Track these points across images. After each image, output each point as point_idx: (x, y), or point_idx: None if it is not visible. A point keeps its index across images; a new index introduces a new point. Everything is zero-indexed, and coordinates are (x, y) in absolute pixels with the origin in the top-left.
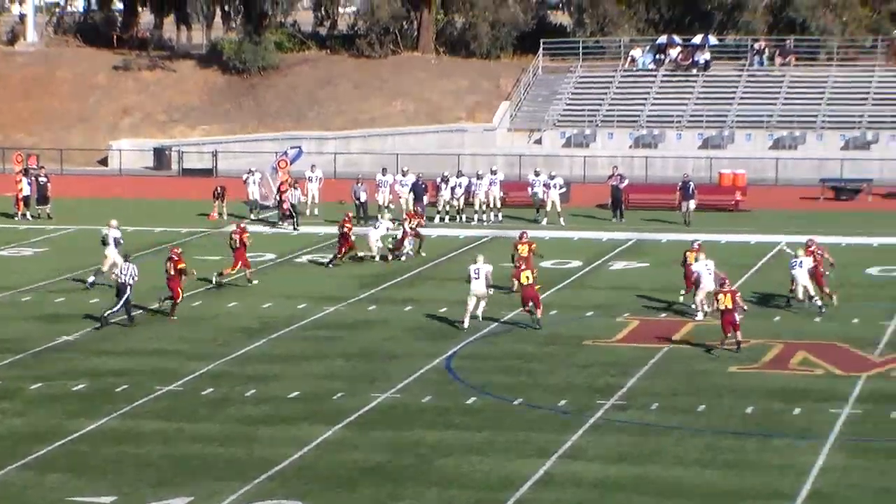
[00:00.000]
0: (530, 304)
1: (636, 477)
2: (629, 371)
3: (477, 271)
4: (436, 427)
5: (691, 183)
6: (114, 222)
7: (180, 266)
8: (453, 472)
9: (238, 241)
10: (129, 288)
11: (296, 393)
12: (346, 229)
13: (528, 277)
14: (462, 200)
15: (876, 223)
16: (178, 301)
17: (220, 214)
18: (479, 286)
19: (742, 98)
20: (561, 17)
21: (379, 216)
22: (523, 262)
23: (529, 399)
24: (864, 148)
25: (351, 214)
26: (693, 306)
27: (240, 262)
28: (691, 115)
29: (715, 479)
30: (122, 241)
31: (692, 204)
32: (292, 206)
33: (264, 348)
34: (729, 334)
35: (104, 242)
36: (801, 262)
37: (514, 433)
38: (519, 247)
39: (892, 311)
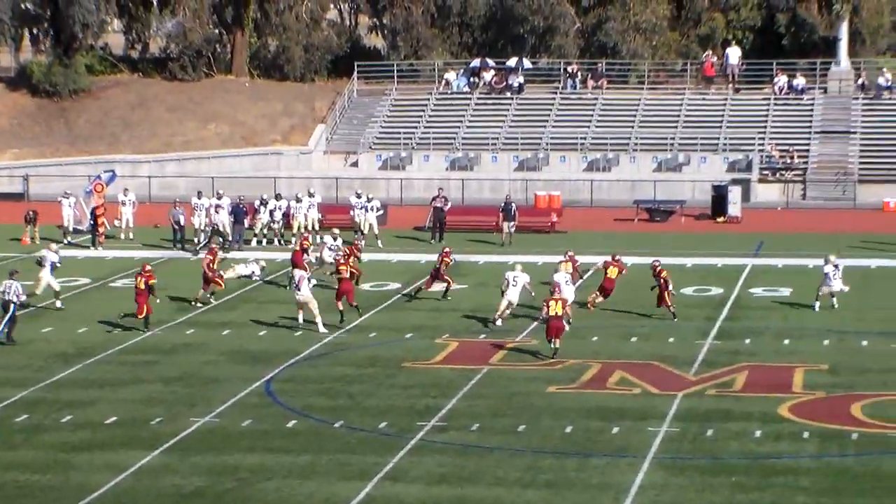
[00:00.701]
0: (552, 337)
1: (457, 498)
2: (449, 392)
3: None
4: (256, 451)
5: (513, 204)
6: (53, 246)
7: (151, 282)
8: (274, 495)
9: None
10: (13, 306)
11: (113, 418)
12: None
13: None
14: (282, 223)
15: (689, 244)
16: (142, 316)
17: (32, 238)
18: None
19: (556, 121)
20: (375, 41)
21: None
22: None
23: (350, 421)
24: (676, 170)
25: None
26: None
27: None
28: (506, 138)
29: (535, 499)
30: (59, 265)
31: (513, 226)
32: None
33: (81, 374)
34: (550, 339)
35: (40, 264)
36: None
37: (335, 455)
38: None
39: (706, 331)
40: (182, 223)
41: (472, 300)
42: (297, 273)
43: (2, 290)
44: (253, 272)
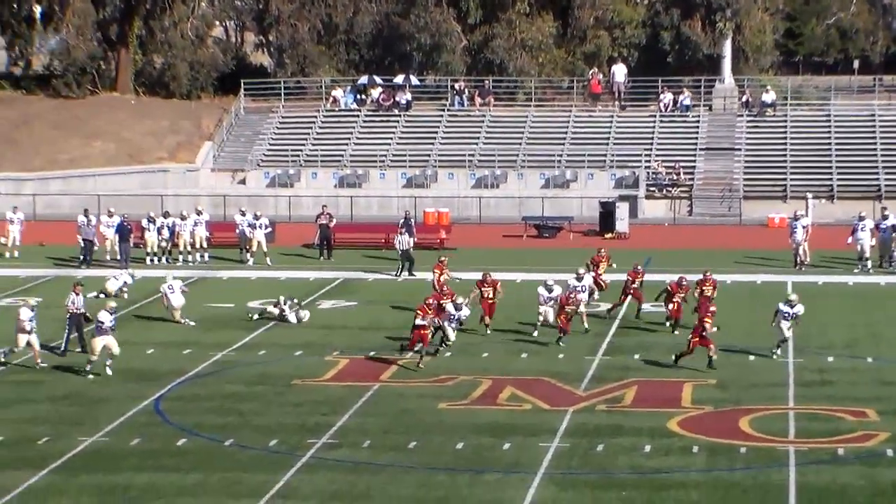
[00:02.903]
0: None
1: None
2: (340, 409)
3: (551, 291)
4: (145, 469)
5: (412, 220)
6: None
7: None
8: None
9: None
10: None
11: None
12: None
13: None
14: (170, 241)
15: (577, 259)
16: None
17: None
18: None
19: (444, 137)
20: (261, 58)
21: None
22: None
23: (240, 439)
24: (564, 186)
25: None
26: None
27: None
28: (394, 155)
29: None
30: None
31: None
32: None
33: None
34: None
35: None
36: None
37: (225, 474)
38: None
39: (596, 346)
40: (92, 239)
41: (362, 317)
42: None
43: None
44: (124, 282)
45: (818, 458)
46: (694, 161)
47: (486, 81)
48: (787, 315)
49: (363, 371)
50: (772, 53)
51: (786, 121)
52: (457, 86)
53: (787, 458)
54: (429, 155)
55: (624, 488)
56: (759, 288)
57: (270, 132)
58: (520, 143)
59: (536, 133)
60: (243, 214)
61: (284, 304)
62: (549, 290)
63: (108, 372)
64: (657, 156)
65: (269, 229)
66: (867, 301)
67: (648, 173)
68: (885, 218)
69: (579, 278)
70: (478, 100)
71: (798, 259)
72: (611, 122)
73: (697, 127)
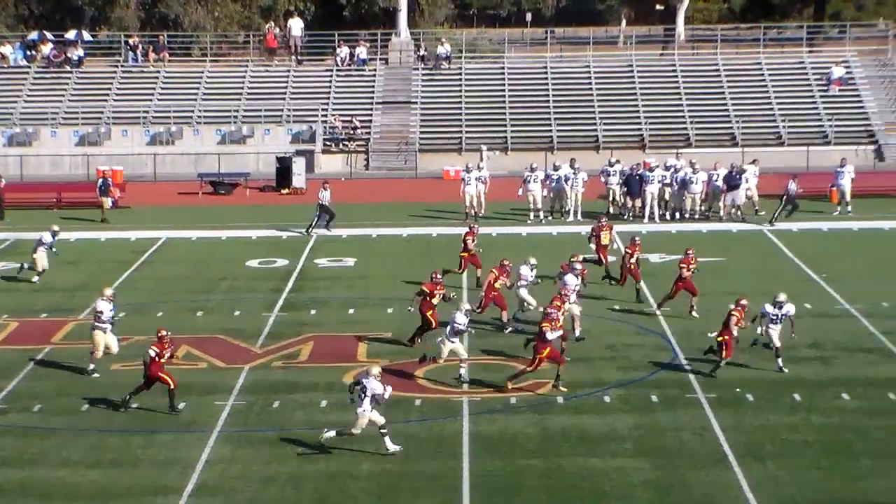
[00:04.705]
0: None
1: (19, 481)
2: (9, 374)
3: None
4: None
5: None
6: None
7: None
8: None
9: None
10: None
11: None
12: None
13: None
14: None
15: (254, 216)
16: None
17: None
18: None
19: (118, 94)
20: None
21: None
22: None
23: None
24: (240, 142)
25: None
26: None
27: None
28: (66, 113)
29: (101, 478)
30: None
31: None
32: None
33: None
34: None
35: None
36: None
37: None
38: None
39: (272, 303)
40: None
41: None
42: None
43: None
44: None
45: (491, 407)
46: (370, 115)
47: (161, 37)
48: (775, 318)
49: (34, 333)
50: (446, 7)
51: (461, 74)
52: (130, 41)
53: (461, 408)
54: (102, 112)
55: (300, 444)
56: (435, 241)
57: None
58: (195, 99)
59: (212, 89)
60: None
61: None
62: (533, 270)
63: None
64: (334, 110)
65: None
66: (540, 251)
67: (325, 128)
68: (556, 169)
69: (575, 271)
70: (152, 55)
71: (473, 211)
72: (287, 76)
73: (374, 81)
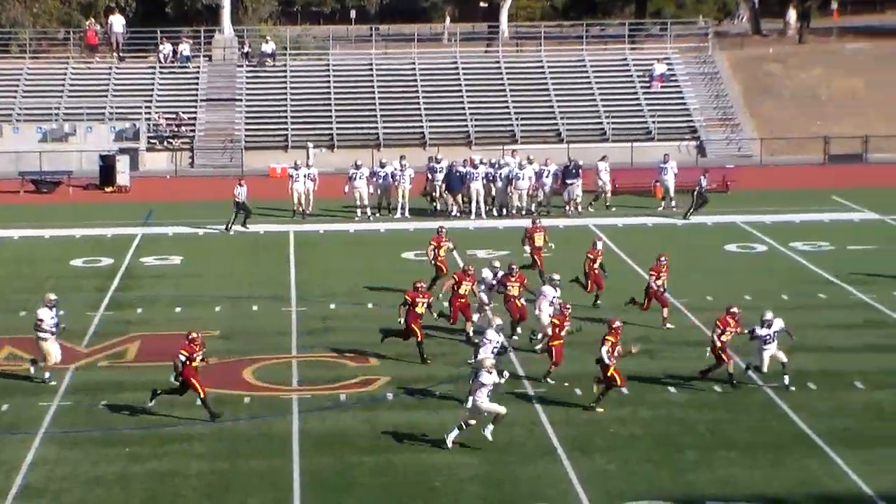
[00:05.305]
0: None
1: None
2: None
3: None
4: None
5: None
6: None
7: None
8: None
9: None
10: None
11: None
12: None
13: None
14: None
15: (77, 215)
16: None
17: None
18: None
19: None
20: None
21: None
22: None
23: None
24: (62, 140)
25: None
26: None
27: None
28: None
29: None
30: None
31: None
32: None
33: None
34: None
35: None
36: None
37: None
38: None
39: (97, 302)
40: None
41: None
42: None
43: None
44: None
45: (321, 404)
46: (195, 112)
47: None
48: (767, 339)
49: None
50: (270, 3)
51: (286, 71)
52: None
53: (291, 406)
54: None
55: (128, 444)
56: (262, 238)
57: None
58: (15, 97)
59: (32, 86)
60: None
61: None
62: (495, 274)
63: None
64: (158, 107)
65: None
66: (366, 247)
67: (149, 125)
68: (382, 166)
69: (555, 284)
70: None
71: (301, 209)
72: (109, 74)
73: (198, 78)
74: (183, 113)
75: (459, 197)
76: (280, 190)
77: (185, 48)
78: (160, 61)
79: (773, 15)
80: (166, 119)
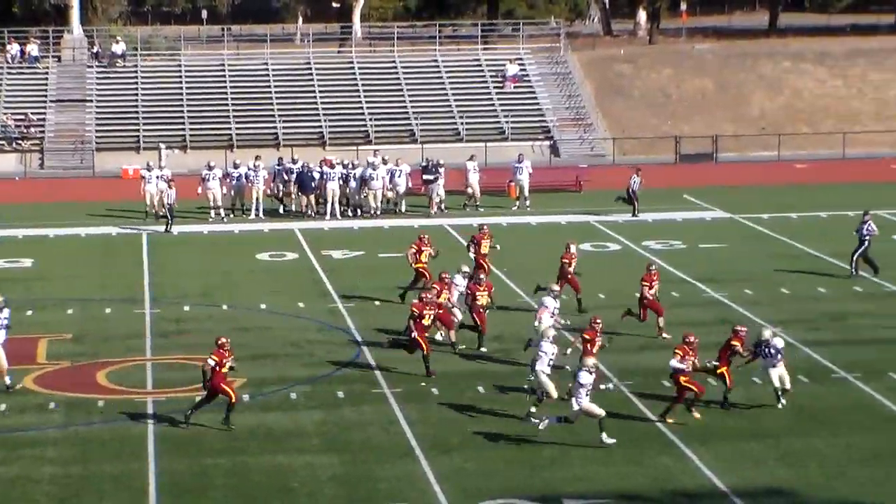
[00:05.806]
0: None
1: None
2: None
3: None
4: None
5: None
6: None
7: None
8: None
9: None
10: None
11: None
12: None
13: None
14: None
15: None
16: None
17: None
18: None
19: None
20: None
21: None
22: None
23: None
24: None
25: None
26: None
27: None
28: None
29: None
30: None
31: None
32: None
33: None
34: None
35: None
36: None
37: None
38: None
39: None
40: None
41: None
42: None
43: None
44: None
45: (176, 406)
46: (45, 113)
47: None
48: (774, 361)
49: None
50: (120, 4)
51: (136, 72)
52: None
53: (146, 408)
54: None
55: None
56: (114, 240)
57: None
58: None
59: None
60: None
61: None
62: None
63: None
64: (6, 108)
65: None
66: (220, 248)
67: None
68: (236, 167)
69: (555, 295)
70: None
71: (154, 210)
72: None
73: (47, 78)
74: (32, 114)
75: (312, 197)
76: (132, 191)
77: (33, 48)
78: (8, 61)
79: (624, 16)
80: (15, 120)
